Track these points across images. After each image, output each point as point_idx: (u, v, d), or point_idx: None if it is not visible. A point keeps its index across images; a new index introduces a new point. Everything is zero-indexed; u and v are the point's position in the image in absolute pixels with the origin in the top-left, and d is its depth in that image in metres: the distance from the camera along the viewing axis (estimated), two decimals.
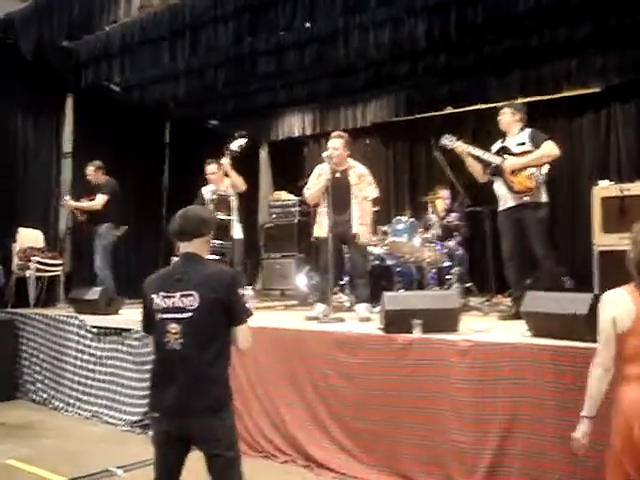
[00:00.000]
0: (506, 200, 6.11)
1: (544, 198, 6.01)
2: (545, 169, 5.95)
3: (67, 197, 8.94)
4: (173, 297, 3.22)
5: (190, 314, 3.18)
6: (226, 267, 3.58)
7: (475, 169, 6.34)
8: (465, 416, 4.48)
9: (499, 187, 6.18)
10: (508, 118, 6.22)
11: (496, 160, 6.12)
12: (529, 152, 6.00)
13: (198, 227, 3.36)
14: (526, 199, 5.94)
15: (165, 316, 3.23)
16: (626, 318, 2.90)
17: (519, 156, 6.03)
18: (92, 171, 8.65)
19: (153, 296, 3.29)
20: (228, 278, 3.27)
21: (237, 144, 7.26)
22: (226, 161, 7.30)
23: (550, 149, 5.96)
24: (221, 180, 7.63)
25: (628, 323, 2.90)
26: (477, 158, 6.28)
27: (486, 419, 4.39)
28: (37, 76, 9.26)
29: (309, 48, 8.46)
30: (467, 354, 4.54)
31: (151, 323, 3.34)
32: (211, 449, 3.21)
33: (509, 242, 6.11)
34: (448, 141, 6.43)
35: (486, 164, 6.23)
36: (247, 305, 3.29)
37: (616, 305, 2.96)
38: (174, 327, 3.19)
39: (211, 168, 7.84)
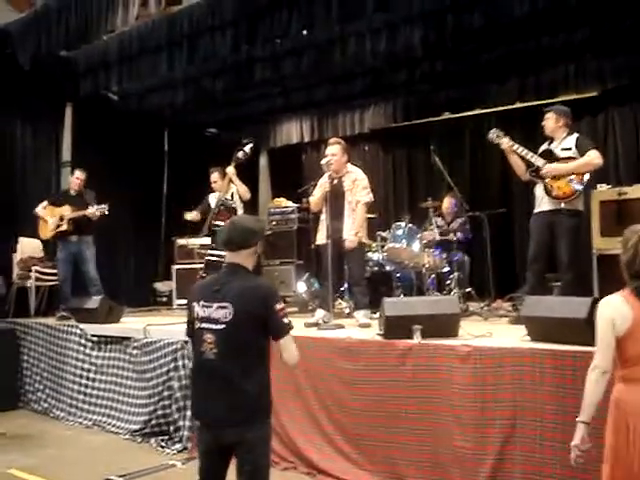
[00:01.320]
0: (542, 203, 6.11)
1: (580, 207, 6.02)
2: (586, 177, 5.93)
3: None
4: (210, 307, 3.26)
5: (224, 326, 3.21)
6: (263, 280, 3.57)
7: (518, 167, 6.33)
8: (465, 421, 4.48)
9: (538, 189, 6.18)
10: (552, 123, 6.19)
11: (538, 162, 6.10)
12: (573, 158, 5.97)
13: (245, 238, 3.37)
14: (563, 205, 5.93)
15: (202, 325, 3.28)
16: (623, 322, 2.94)
17: (563, 161, 6.01)
18: (83, 179, 8.50)
19: (194, 304, 3.34)
20: (263, 292, 3.28)
21: (243, 152, 7.28)
22: (231, 169, 7.32)
23: (593, 158, 5.91)
24: (226, 188, 7.65)
25: (625, 327, 2.93)
26: (521, 157, 6.27)
27: (486, 424, 4.39)
28: (36, 86, 9.29)
29: (306, 55, 8.48)
30: (467, 359, 4.54)
31: (191, 330, 3.40)
32: (243, 456, 3.24)
33: (537, 244, 6.10)
34: (495, 135, 6.41)
35: (528, 164, 6.21)
36: (287, 319, 3.27)
37: (613, 310, 2.99)
38: (209, 337, 3.23)
39: (213, 177, 7.89)
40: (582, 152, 5.97)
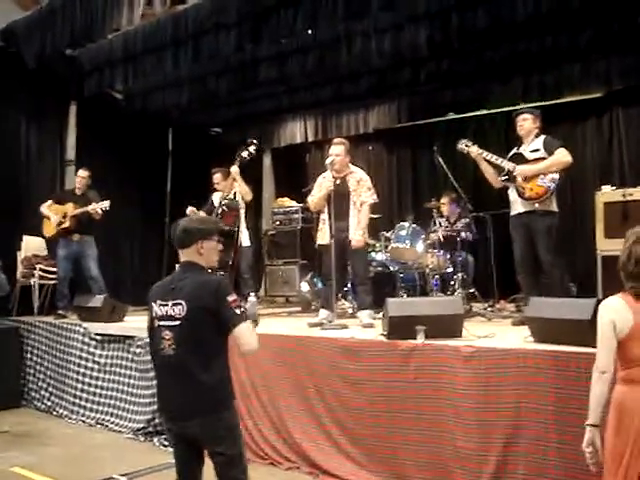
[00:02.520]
0: (517, 206, 6.13)
1: (554, 207, 6.01)
2: (556, 176, 5.93)
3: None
4: (167, 305, 3.36)
5: (179, 322, 3.30)
6: (214, 276, 3.65)
7: (489, 174, 6.37)
8: (468, 422, 4.48)
9: (511, 193, 6.20)
10: (530, 124, 6.20)
11: (508, 166, 6.14)
12: (542, 159, 6.00)
13: (181, 237, 3.47)
14: (536, 206, 5.94)
15: (160, 323, 3.38)
16: (624, 324, 2.94)
17: (532, 162, 6.03)
18: (86, 177, 8.52)
19: (152, 304, 3.44)
20: (213, 286, 3.33)
21: (248, 152, 7.28)
22: (235, 169, 7.32)
23: (562, 156, 5.95)
24: (229, 188, 7.65)
25: (626, 329, 2.94)
26: (491, 163, 6.31)
27: (489, 425, 4.39)
28: (40, 84, 9.30)
29: (311, 55, 8.49)
30: (470, 360, 4.53)
31: (151, 329, 3.49)
32: (213, 448, 3.34)
33: (520, 247, 6.12)
34: (464, 145, 6.46)
35: (500, 169, 6.24)
36: (239, 310, 3.30)
37: (613, 311, 3.00)
38: (167, 334, 3.33)
39: (216, 177, 7.90)
40: (550, 151, 6.01)
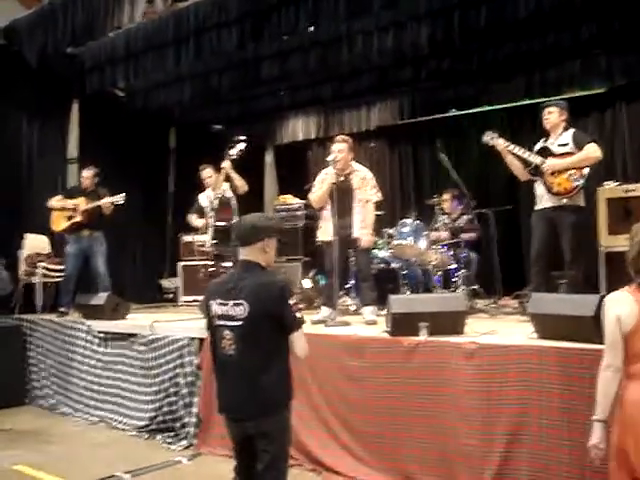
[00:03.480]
0: (543, 200, 6.08)
1: (582, 202, 5.98)
2: (586, 171, 5.86)
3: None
4: (227, 305, 3.35)
5: (240, 322, 3.30)
6: (277, 277, 3.61)
7: (516, 167, 6.30)
8: (472, 419, 4.48)
9: (538, 187, 6.14)
10: (555, 117, 6.11)
11: (536, 160, 6.06)
12: (571, 153, 5.93)
13: (248, 234, 3.45)
14: (564, 201, 5.89)
15: (220, 323, 3.38)
16: (630, 318, 2.94)
17: (560, 157, 5.97)
18: (91, 176, 8.49)
19: (211, 302, 3.43)
20: (277, 289, 3.34)
21: (236, 149, 7.29)
22: (227, 164, 7.33)
23: (592, 152, 5.86)
24: (218, 184, 7.66)
25: (632, 323, 2.93)
26: (517, 156, 6.23)
27: (493, 421, 4.39)
28: (42, 82, 9.31)
29: (313, 52, 8.51)
30: (473, 356, 4.53)
31: (210, 327, 3.50)
32: (263, 447, 3.35)
33: (540, 242, 6.06)
34: (489, 138, 6.38)
35: (526, 163, 6.17)
36: (299, 314, 3.36)
37: (619, 306, 2.99)
38: (228, 334, 3.34)
39: (207, 172, 7.88)
40: (579, 146, 5.93)
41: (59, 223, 8.42)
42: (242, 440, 3.43)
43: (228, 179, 7.58)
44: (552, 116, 6.13)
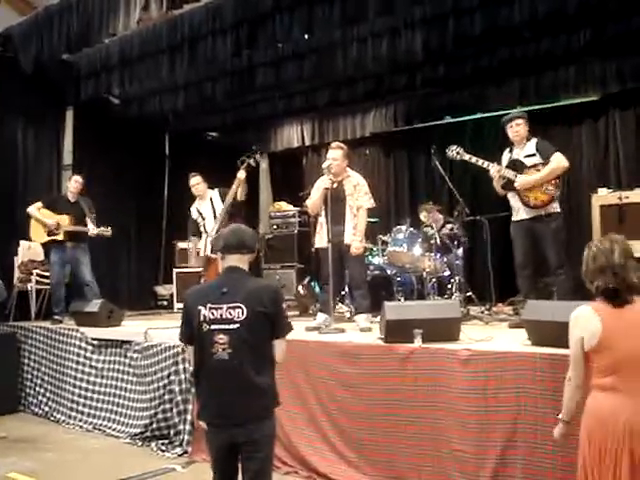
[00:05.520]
0: (520, 212, 6.16)
1: (557, 208, 6.05)
2: (559, 181, 5.98)
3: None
4: (220, 309, 3.33)
5: (238, 325, 3.30)
6: (269, 282, 3.69)
7: (497, 182, 6.32)
8: (466, 425, 4.48)
9: (512, 199, 6.22)
10: (524, 129, 6.21)
11: (509, 175, 6.13)
12: (539, 164, 6.01)
13: (253, 243, 3.58)
14: (542, 212, 5.99)
15: (213, 327, 3.33)
16: (592, 337, 2.99)
17: (530, 170, 6.05)
18: (82, 184, 8.37)
19: (200, 308, 3.37)
20: (273, 292, 3.42)
21: (254, 159, 7.37)
22: (244, 174, 7.34)
23: (559, 162, 5.97)
24: (205, 192, 7.68)
25: (594, 341, 2.99)
26: (482, 168, 6.33)
27: (488, 428, 4.39)
28: (37, 89, 9.32)
29: (307, 59, 8.52)
30: (468, 363, 4.54)
31: (192, 334, 3.44)
32: (252, 453, 3.33)
33: (523, 251, 6.14)
34: (455, 153, 6.46)
35: (495, 175, 6.23)
36: (288, 320, 3.44)
37: (582, 325, 3.05)
38: (222, 338, 3.31)
39: (196, 180, 7.82)
40: (545, 156, 6.03)
41: (39, 236, 8.27)
42: (225, 448, 3.37)
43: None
44: (520, 128, 6.22)
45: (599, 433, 2.93)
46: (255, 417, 3.31)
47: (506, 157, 6.31)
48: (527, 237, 6.10)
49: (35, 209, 8.21)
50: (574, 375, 3.12)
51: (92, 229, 8.09)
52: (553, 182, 5.96)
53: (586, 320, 3.04)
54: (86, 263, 8.34)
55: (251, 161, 7.34)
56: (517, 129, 6.22)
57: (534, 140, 6.19)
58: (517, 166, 6.14)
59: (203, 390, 3.48)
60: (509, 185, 6.16)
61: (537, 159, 6.06)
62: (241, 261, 3.48)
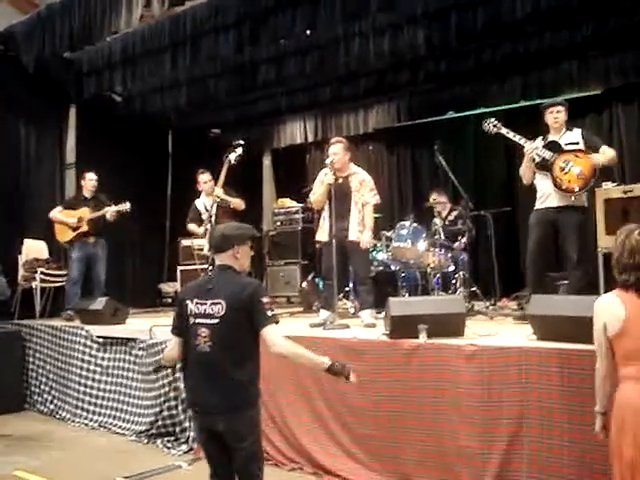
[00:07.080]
0: (547, 198, 6.02)
1: (585, 202, 6.00)
2: (597, 173, 5.86)
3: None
4: (205, 304, 3.50)
5: (218, 320, 3.45)
6: (250, 278, 3.86)
7: (527, 167, 6.20)
8: (472, 420, 4.48)
9: (542, 183, 6.08)
10: (564, 116, 6.11)
11: (546, 155, 5.98)
12: (582, 151, 5.91)
13: (219, 242, 3.67)
14: (572, 199, 5.87)
15: (197, 321, 3.51)
16: (616, 322, 2.99)
17: (575, 153, 5.93)
18: (96, 181, 8.59)
19: (188, 302, 3.57)
20: (251, 289, 3.50)
21: (235, 154, 7.25)
22: (220, 191, 7.35)
23: (613, 153, 5.95)
24: (212, 190, 7.69)
25: (618, 326, 2.99)
26: (515, 143, 6.25)
27: (493, 423, 4.39)
28: (39, 87, 9.33)
29: (310, 55, 8.52)
30: (473, 358, 4.54)
31: (181, 326, 3.62)
32: (235, 443, 3.45)
33: (537, 244, 6.03)
34: (491, 125, 6.38)
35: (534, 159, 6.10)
36: (270, 312, 3.51)
37: (606, 311, 3.06)
38: (204, 331, 3.47)
39: (205, 177, 7.88)
40: (592, 146, 5.93)
41: (65, 234, 8.50)
42: (206, 433, 3.53)
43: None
44: (561, 115, 6.12)
45: (632, 420, 2.92)
46: (233, 408, 3.42)
47: (539, 141, 6.17)
48: (547, 227, 5.97)
49: (56, 212, 8.53)
50: (602, 364, 3.13)
51: (111, 208, 8.25)
52: (593, 171, 5.82)
53: (610, 306, 3.05)
54: (104, 260, 8.52)
55: (231, 156, 7.24)
56: (557, 116, 6.11)
57: (578, 130, 6.11)
58: (555, 149, 6.00)
59: (188, 379, 3.67)
60: (543, 164, 6.00)
61: (581, 147, 5.94)
62: (228, 258, 3.61)
